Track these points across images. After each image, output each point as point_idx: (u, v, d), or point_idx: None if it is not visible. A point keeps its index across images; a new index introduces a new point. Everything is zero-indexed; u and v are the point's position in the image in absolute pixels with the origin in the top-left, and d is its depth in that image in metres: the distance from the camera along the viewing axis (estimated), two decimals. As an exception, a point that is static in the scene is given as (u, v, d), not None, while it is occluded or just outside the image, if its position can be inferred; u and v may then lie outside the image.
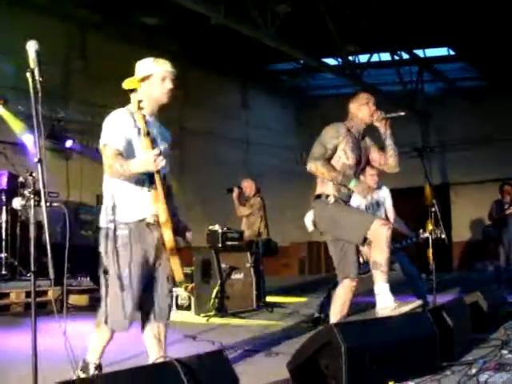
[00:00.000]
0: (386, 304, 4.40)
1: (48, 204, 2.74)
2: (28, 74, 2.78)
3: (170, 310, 3.77)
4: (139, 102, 3.46)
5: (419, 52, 14.34)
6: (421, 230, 6.67)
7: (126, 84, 3.65)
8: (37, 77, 2.81)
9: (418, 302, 4.51)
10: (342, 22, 11.62)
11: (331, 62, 14.17)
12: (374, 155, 5.00)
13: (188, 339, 5.60)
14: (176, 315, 7.71)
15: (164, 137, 3.79)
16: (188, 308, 7.72)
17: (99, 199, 13.01)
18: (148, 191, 3.52)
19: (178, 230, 3.73)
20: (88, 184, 11.92)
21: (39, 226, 3.35)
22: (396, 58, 14.14)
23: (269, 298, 8.64)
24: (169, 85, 3.62)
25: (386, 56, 14.38)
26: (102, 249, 3.56)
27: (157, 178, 3.40)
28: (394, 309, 4.36)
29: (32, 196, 2.73)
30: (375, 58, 14.39)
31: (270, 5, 10.56)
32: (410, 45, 13.72)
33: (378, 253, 4.46)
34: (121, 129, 3.47)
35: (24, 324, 6.46)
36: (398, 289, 4.91)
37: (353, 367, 3.50)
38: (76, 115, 11.38)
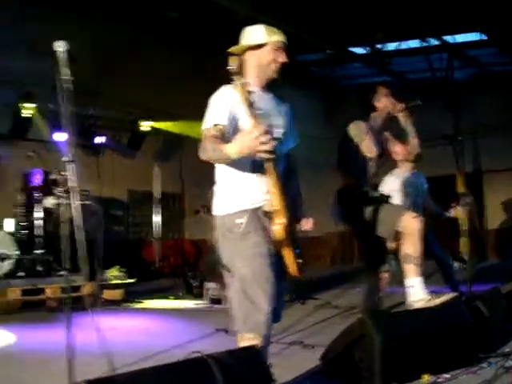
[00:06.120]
0: (420, 296, 4.36)
1: (80, 202, 2.76)
2: (57, 74, 2.80)
3: (280, 313, 3.28)
4: (235, 69, 2.94)
5: (449, 38, 14.10)
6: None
7: (232, 49, 3.23)
8: (66, 76, 2.81)
9: (453, 295, 4.46)
10: (369, 10, 11.48)
11: (359, 51, 14.03)
12: (397, 148, 5.01)
13: (220, 333, 5.62)
14: (208, 308, 7.78)
15: (279, 111, 3.34)
16: (220, 301, 7.75)
17: (130, 194, 13.18)
18: (264, 176, 3.08)
19: (297, 217, 3.33)
20: (120, 180, 12.06)
21: (72, 223, 3.37)
22: (425, 44, 13.93)
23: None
24: (282, 58, 3.23)
25: (414, 43, 14.18)
26: (219, 241, 3.17)
27: (266, 163, 3.01)
28: (427, 301, 4.32)
29: (64, 195, 2.74)
30: (404, 45, 14.19)
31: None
32: (440, 31, 13.50)
33: (411, 246, 4.42)
34: (224, 104, 3.05)
35: (59, 319, 6.53)
36: (432, 279, 4.88)
37: (387, 360, 3.47)
38: (106, 112, 11.47)
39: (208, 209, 9.47)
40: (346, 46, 13.02)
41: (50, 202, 7.87)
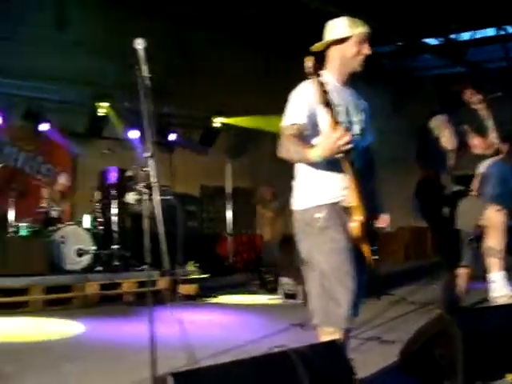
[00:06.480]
0: (502, 292, 4.23)
1: (161, 197, 2.81)
2: (137, 71, 2.85)
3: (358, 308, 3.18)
4: (315, 64, 2.85)
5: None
6: None
7: (316, 47, 3.21)
8: (145, 73, 2.86)
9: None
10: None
11: (432, 41, 13.71)
12: (476, 141, 4.88)
13: (295, 328, 5.62)
14: (281, 303, 7.79)
15: (358, 107, 3.28)
16: (294, 296, 7.74)
17: (203, 190, 13.34)
18: (342, 172, 3.05)
19: (375, 214, 3.29)
20: (193, 175, 12.24)
21: (153, 218, 3.42)
22: (501, 32, 13.46)
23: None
24: (367, 50, 3.16)
25: (490, 32, 13.73)
26: (298, 235, 3.17)
27: (343, 162, 2.97)
28: (510, 297, 4.18)
29: (145, 190, 2.80)
30: (479, 34, 13.77)
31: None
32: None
33: (494, 239, 4.30)
34: (303, 102, 3.03)
35: (136, 313, 6.70)
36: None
37: (470, 357, 3.37)
38: (178, 109, 11.65)
39: (264, 203, 9.52)
40: (419, 37, 12.74)
41: (131, 197, 8.08)
